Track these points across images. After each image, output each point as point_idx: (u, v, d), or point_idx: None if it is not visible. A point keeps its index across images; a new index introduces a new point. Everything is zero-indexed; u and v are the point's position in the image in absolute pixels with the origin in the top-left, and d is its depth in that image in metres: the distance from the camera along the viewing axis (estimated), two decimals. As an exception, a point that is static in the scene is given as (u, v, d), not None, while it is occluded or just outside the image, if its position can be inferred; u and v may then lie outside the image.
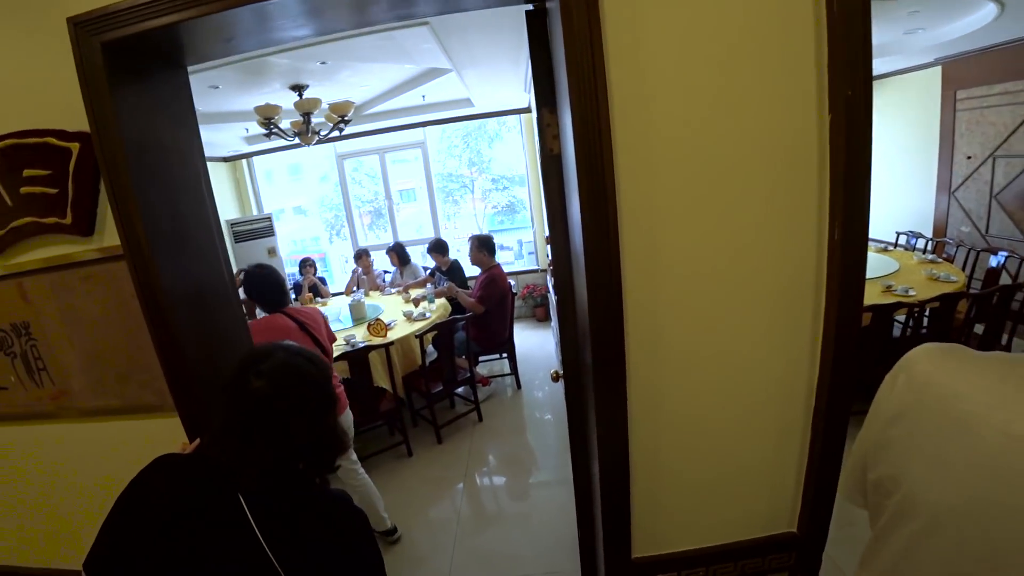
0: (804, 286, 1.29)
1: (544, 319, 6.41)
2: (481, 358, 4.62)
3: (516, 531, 2.83)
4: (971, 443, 0.58)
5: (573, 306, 1.47)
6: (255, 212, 7.01)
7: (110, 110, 1.21)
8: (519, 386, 4.56)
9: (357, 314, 4.60)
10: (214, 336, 1.51)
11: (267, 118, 3.66)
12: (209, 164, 5.88)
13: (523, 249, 7.36)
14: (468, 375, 4.02)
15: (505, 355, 4.58)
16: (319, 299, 5.67)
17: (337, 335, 4.07)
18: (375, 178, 6.87)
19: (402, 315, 4.41)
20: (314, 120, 4.09)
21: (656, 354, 1.33)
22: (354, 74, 3.87)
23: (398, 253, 5.64)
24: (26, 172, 1.35)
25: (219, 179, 6.67)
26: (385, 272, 6.13)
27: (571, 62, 1.13)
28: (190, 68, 2.99)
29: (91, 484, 1.73)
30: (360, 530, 1.01)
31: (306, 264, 5.91)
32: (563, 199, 1.42)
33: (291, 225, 7.73)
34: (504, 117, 6.73)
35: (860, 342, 1.28)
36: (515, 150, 7.19)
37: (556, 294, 1.54)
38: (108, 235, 1.36)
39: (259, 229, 6.51)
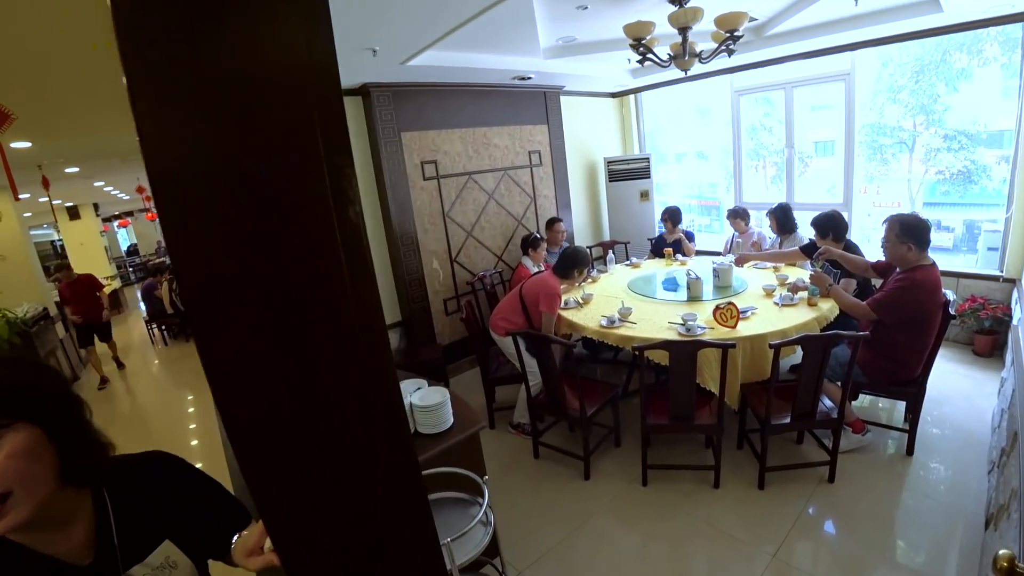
0: None
1: (988, 354, 4.21)
2: (863, 392, 3.22)
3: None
4: None
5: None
6: (636, 151, 6.66)
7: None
8: (911, 451, 3.00)
9: (721, 282, 3.85)
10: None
11: (637, 39, 3.00)
12: (594, 99, 5.73)
13: (975, 239, 4.88)
14: (835, 414, 2.78)
15: (904, 399, 3.06)
16: (679, 256, 5.01)
17: (673, 309, 3.41)
18: (783, 123, 5.51)
19: (768, 300, 3.44)
20: (698, 41, 3.25)
21: None
22: (752, -29, 2.82)
23: (778, 218, 4.44)
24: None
25: (604, 115, 6.57)
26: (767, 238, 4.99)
27: None
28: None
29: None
30: None
31: (666, 217, 5.31)
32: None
33: (692, 169, 7.20)
34: (985, 39, 4.34)
35: None
36: (991, 92, 4.65)
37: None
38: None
39: (635, 170, 6.16)
